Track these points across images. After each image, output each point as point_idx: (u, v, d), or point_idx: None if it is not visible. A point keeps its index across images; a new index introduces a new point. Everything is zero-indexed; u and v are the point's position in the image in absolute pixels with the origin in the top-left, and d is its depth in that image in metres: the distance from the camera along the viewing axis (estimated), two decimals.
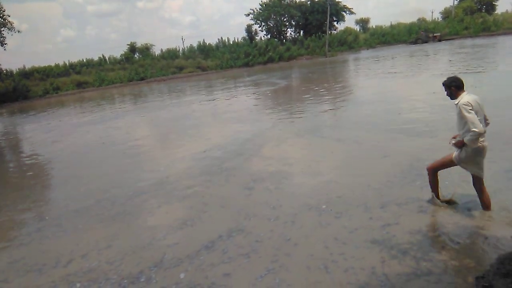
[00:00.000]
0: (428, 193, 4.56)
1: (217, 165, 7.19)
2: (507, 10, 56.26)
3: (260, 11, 48.93)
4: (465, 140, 3.82)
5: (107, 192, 6.42)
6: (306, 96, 15.21)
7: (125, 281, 3.73)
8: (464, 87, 3.96)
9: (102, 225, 5.15)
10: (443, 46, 36.24)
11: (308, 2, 49.67)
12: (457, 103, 3.88)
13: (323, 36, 46.20)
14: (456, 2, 57.92)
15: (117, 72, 39.08)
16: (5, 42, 32.22)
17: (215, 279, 3.58)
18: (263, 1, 48.97)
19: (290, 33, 51.94)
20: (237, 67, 40.64)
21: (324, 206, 4.85)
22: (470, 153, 3.93)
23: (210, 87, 24.89)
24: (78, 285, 3.77)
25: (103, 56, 43.41)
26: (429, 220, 4.22)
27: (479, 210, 4.19)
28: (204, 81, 30.40)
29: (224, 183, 6.23)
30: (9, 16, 31.78)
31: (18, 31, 32.78)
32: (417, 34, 46.90)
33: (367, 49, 46.61)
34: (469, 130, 3.75)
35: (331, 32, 48.47)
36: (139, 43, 48.31)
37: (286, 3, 48.60)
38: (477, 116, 3.75)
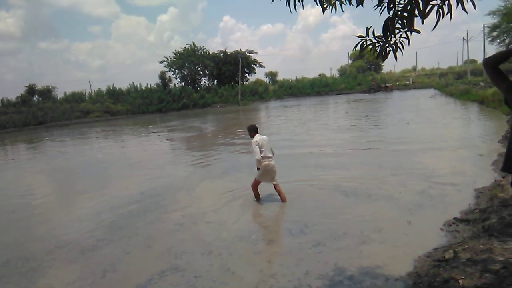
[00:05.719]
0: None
1: (143, 208, 6.85)
2: (390, 70, 68.88)
3: (174, 59, 49.81)
4: (256, 163, 6.11)
5: (23, 248, 5.33)
6: (222, 140, 15.61)
7: None
8: (258, 131, 6.34)
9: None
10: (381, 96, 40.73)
11: (221, 54, 52.29)
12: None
13: (236, 86, 48.54)
14: (350, 61, 67.34)
15: (11, 116, 34.86)
16: None
17: None
18: (177, 50, 50.15)
19: (204, 82, 53.49)
20: (150, 113, 39.74)
21: (253, 236, 5.08)
22: (260, 171, 6.16)
23: (121, 132, 23.78)
24: None
25: None
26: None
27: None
28: (113, 126, 28.82)
29: (150, 224, 5.94)
30: None
31: None
32: (369, 85, 50.12)
33: (276, 100, 49.93)
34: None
35: (243, 83, 51.19)
36: (40, 85, 44.62)
37: (200, 53, 50.44)
38: (263, 148, 6.04)
